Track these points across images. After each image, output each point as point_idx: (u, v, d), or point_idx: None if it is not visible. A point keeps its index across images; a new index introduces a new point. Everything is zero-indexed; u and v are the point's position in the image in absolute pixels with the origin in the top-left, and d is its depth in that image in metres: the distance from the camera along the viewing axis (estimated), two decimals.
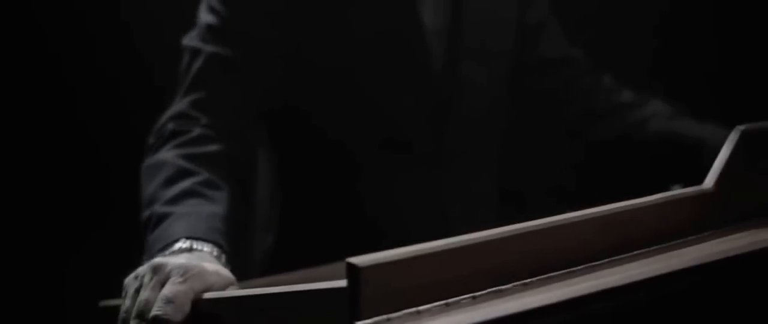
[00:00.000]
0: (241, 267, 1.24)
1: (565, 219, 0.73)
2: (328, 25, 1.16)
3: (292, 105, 1.20)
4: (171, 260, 0.83)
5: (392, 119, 1.20)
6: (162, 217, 0.96)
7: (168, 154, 1.05)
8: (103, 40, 1.64)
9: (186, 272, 0.79)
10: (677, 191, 0.82)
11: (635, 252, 0.77)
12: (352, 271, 0.62)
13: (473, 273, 0.68)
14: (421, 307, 0.65)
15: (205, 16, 1.16)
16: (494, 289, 0.69)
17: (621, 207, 0.76)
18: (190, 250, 0.89)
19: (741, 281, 0.73)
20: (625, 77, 1.36)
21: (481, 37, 1.23)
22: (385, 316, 0.63)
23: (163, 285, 0.79)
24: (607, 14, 1.68)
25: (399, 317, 0.64)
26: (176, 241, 0.91)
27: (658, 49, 1.72)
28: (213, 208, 0.98)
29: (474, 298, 0.67)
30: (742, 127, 0.85)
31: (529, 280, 0.70)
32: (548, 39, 1.34)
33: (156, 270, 0.81)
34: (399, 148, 1.21)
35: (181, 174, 1.02)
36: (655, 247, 0.78)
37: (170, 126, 1.09)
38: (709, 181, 0.83)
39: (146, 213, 0.99)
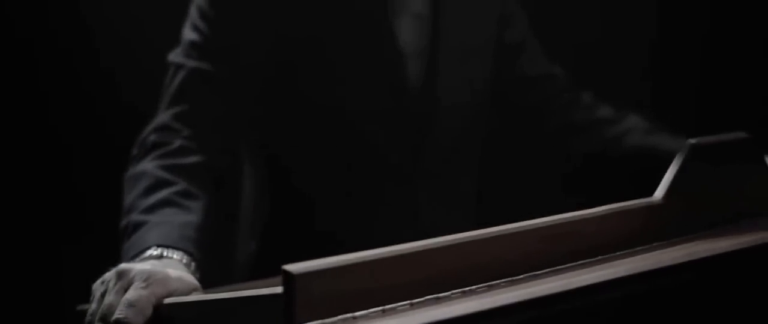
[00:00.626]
0: (226, 272, 1.29)
1: (506, 229, 0.75)
2: (308, 44, 1.19)
3: (273, 118, 1.23)
4: (136, 266, 0.86)
5: (370, 136, 1.23)
6: (137, 226, 1.00)
7: (148, 165, 1.09)
8: (80, 54, 1.68)
9: (148, 278, 0.83)
10: (625, 203, 0.84)
11: (580, 262, 0.79)
12: (287, 279, 0.65)
13: (411, 281, 0.70)
14: (357, 313, 0.68)
15: (188, 34, 1.19)
16: (433, 296, 0.71)
17: (564, 218, 0.78)
18: (160, 257, 0.93)
19: (676, 291, 0.75)
20: (607, 93, 1.38)
21: (459, 57, 1.25)
22: (319, 321, 0.66)
23: (126, 290, 0.83)
24: (591, 34, 1.70)
25: (334, 322, 0.66)
26: (148, 248, 0.94)
27: (642, 66, 1.74)
28: (187, 217, 1.02)
29: (411, 304, 0.70)
30: (692, 141, 0.87)
31: (469, 288, 0.73)
32: (528, 58, 1.36)
33: (120, 275, 0.84)
34: (376, 163, 1.23)
35: (159, 184, 1.06)
36: (600, 258, 0.80)
37: (152, 137, 1.13)
38: (659, 193, 0.85)
39: (124, 221, 1.03)
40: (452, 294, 0.72)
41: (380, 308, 0.68)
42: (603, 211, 0.81)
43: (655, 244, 0.84)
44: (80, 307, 0.95)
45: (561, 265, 0.78)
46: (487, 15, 1.31)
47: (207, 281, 0.93)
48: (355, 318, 0.67)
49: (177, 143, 1.12)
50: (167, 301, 0.82)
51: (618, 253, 0.82)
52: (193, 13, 1.20)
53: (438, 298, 0.71)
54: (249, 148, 1.28)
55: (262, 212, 1.29)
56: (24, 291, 1.61)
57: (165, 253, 0.94)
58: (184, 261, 0.94)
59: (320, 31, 1.20)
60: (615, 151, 1.30)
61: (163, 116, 1.15)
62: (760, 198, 0.93)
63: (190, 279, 0.87)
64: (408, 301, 0.70)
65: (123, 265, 0.87)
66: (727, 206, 0.89)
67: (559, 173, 1.39)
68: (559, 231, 0.77)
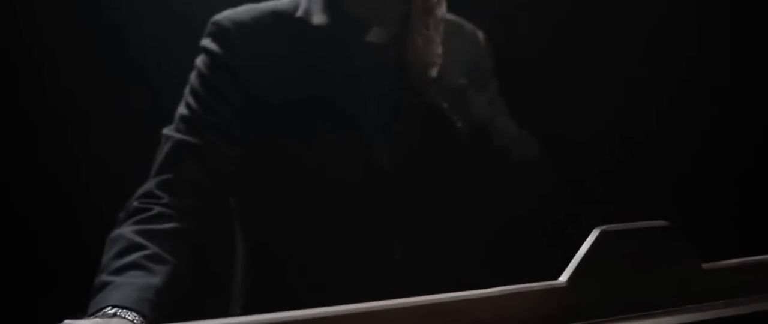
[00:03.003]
0: None
1: (391, 305, 0.79)
2: (288, 121, 1.28)
3: (253, 188, 1.31)
4: (82, 321, 0.94)
5: (346, 204, 1.30)
6: (104, 285, 1.09)
7: (126, 229, 1.18)
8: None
9: None
10: (527, 284, 0.87)
11: None
12: None
13: None
14: None
15: (180, 109, 1.30)
16: None
17: (455, 297, 0.82)
18: (114, 315, 1.01)
19: None
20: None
21: (427, 137, 1.31)
22: None
23: None
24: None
25: None
26: (105, 307, 1.03)
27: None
28: (150, 280, 1.10)
29: None
30: (601, 227, 0.90)
31: None
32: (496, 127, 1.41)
33: None
34: (353, 230, 1.30)
35: (131, 248, 1.14)
36: None
37: (135, 203, 1.22)
38: (564, 276, 0.88)
39: (96, 280, 1.12)
40: None
41: None
42: (501, 291, 0.84)
43: None
44: None
45: None
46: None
47: None
48: None
49: (156, 210, 1.20)
50: None
51: None
52: (186, 91, 1.31)
53: None
54: (237, 217, 1.37)
55: (247, 279, 1.37)
56: None
57: (119, 313, 1.02)
58: (137, 321, 1.02)
59: (301, 111, 1.28)
60: None
61: (148, 184, 1.25)
62: (678, 289, 0.94)
63: None
64: None
65: (67, 321, 0.94)
66: (639, 294, 0.91)
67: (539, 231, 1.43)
68: (449, 309, 0.81)
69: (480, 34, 1.48)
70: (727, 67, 1.86)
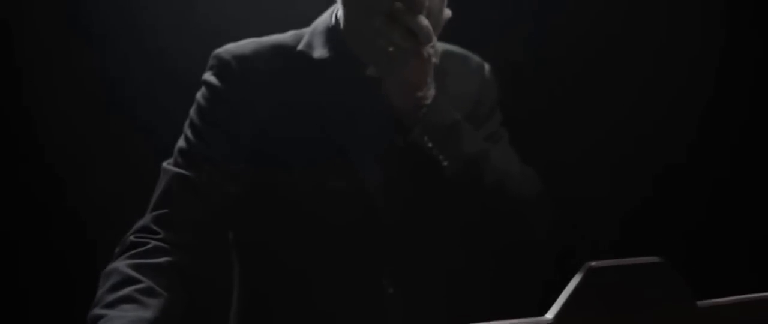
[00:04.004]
0: None
1: None
2: (284, 159, 1.29)
3: (249, 223, 1.31)
4: None
5: (335, 241, 1.30)
6: (96, 319, 1.10)
7: (120, 263, 1.18)
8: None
9: None
10: (513, 320, 0.85)
11: None
12: None
13: None
14: None
15: (179, 143, 1.31)
16: None
17: None
18: None
19: None
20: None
21: (415, 176, 1.30)
22: None
23: None
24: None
25: None
26: None
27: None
28: (143, 313, 1.11)
29: None
30: (590, 263, 0.88)
31: None
32: None
33: None
34: (348, 269, 1.29)
35: (125, 282, 1.15)
36: None
37: (131, 238, 1.23)
38: (551, 312, 0.87)
39: (89, 314, 1.12)
40: None
41: None
42: None
43: None
44: None
45: None
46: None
47: None
48: None
49: (151, 244, 1.21)
50: None
51: None
52: (185, 124, 1.31)
53: None
54: (234, 251, 1.36)
55: (242, 311, 1.36)
56: None
57: None
58: None
59: (298, 146, 1.29)
60: None
61: (145, 219, 1.25)
62: None
63: None
64: None
65: None
66: None
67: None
68: None
69: (486, 67, 1.46)
70: (740, 115, 1.86)
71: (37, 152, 1.87)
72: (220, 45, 1.34)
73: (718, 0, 1.86)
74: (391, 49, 1.22)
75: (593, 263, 0.88)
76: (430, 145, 1.27)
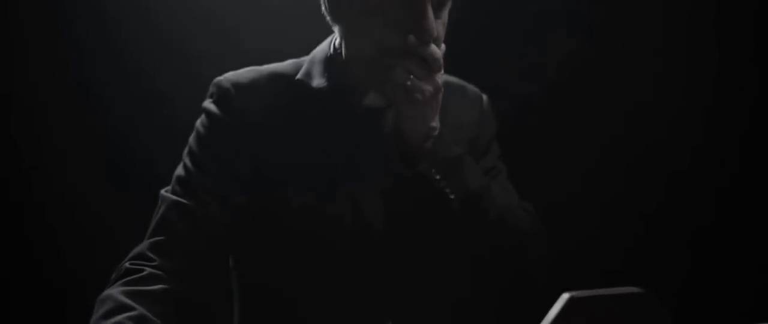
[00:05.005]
0: None
1: None
2: (282, 189, 1.29)
3: (246, 253, 1.33)
4: None
5: (341, 275, 1.30)
6: None
7: (114, 290, 1.19)
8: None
9: None
10: None
11: None
12: None
13: None
14: None
15: (177, 170, 1.31)
16: None
17: None
18: None
19: None
20: None
21: (420, 210, 1.30)
22: None
23: None
24: None
25: None
26: None
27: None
28: None
29: None
30: (570, 293, 0.89)
31: None
32: None
33: None
34: (348, 301, 1.30)
35: (119, 308, 1.16)
36: None
37: (127, 265, 1.24)
38: None
39: None
40: None
41: None
42: None
43: None
44: None
45: None
46: None
47: None
48: None
49: (146, 271, 1.22)
50: None
51: None
52: (184, 152, 1.32)
53: None
54: (234, 279, 1.37)
55: None
56: None
57: None
58: None
59: (296, 175, 1.29)
60: None
61: (141, 246, 1.26)
62: None
63: None
64: None
65: None
66: None
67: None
68: None
69: (485, 99, 1.47)
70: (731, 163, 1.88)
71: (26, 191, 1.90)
72: (221, 72, 1.35)
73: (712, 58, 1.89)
74: (409, 82, 1.22)
75: (573, 293, 0.89)
76: (437, 177, 1.27)
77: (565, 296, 0.89)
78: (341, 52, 1.32)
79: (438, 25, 1.25)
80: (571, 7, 1.92)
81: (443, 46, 1.29)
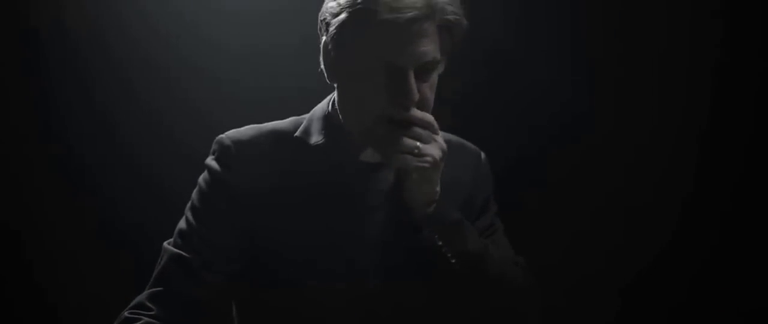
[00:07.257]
0: None
1: None
2: (280, 244, 1.32)
3: (246, 309, 1.36)
4: None
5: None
6: None
7: None
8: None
9: None
10: None
11: None
12: None
13: None
14: None
15: (180, 224, 1.34)
16: None
17: None
18: None
19: None
20: None
21: (422, 274, 1.32)
22: None
23: None
24: None
25: None
26: None
27: None
28: None
29: None
30: None
31: None
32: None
33: None
34: None
35: None
36: None
37: (126, 314, 1.27)
38: None
39: None
40: None
41: None
42: None
43: None
44: None
45: None
46: None
47: None
48: None
49: (143, 320, 1.24)
50: None
51: None
52: (187, 207, 1.35)
53: None
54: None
55: None
56: None
57: None
58: None
59: (295, 231, 1.32)
60: None
61: (142, 295, 1.29)
62: None
63: None
64: None
65: None
66: None
67: None
68: None
69: (482, 157, 1.48)
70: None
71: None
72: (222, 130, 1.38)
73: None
74: (416, 150, 1.24)
75: None
76: (440, 243, 1.29)
77: None
78: (338, 112, 1.35)
79: (424, 88, 1.26)
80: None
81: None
